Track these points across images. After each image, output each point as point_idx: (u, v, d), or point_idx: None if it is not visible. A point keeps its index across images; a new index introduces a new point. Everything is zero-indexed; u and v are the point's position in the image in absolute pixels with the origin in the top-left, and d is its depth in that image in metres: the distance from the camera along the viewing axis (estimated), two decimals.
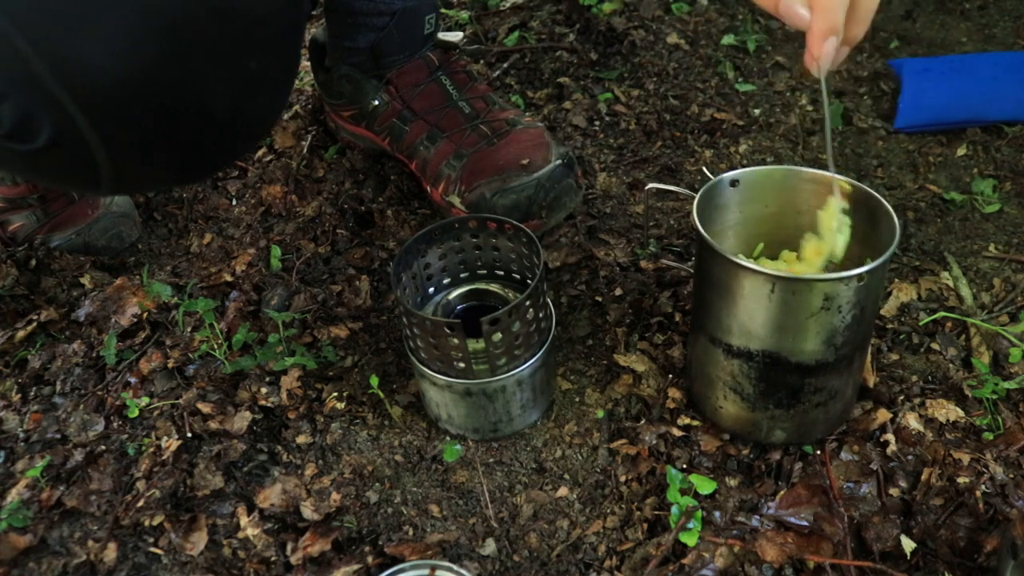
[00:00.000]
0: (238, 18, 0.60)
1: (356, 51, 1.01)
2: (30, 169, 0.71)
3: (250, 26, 0.62)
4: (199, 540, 0.74)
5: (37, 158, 0.61)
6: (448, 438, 0.82)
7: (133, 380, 0.87)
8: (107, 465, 0.79)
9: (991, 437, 0.78)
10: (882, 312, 0.90)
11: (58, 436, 0.82)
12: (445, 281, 0.84)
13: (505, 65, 1.31)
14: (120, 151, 0.62)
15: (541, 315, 0.75)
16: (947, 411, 0.80)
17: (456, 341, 0.71)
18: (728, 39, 1.35)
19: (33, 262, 0.99)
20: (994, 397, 0.80)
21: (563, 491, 0.77)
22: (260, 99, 0.67)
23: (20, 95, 0.57)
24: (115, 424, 0.83)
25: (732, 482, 0.76)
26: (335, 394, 0.85)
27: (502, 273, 0.84)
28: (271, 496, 0.77)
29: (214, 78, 0.61)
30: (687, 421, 0.80)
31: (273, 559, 0.73)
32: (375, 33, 0.98)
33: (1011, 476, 0.75)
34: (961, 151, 1.11)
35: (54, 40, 0.55)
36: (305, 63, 1.36)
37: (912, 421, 0.79)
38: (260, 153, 1.17)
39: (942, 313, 0.89)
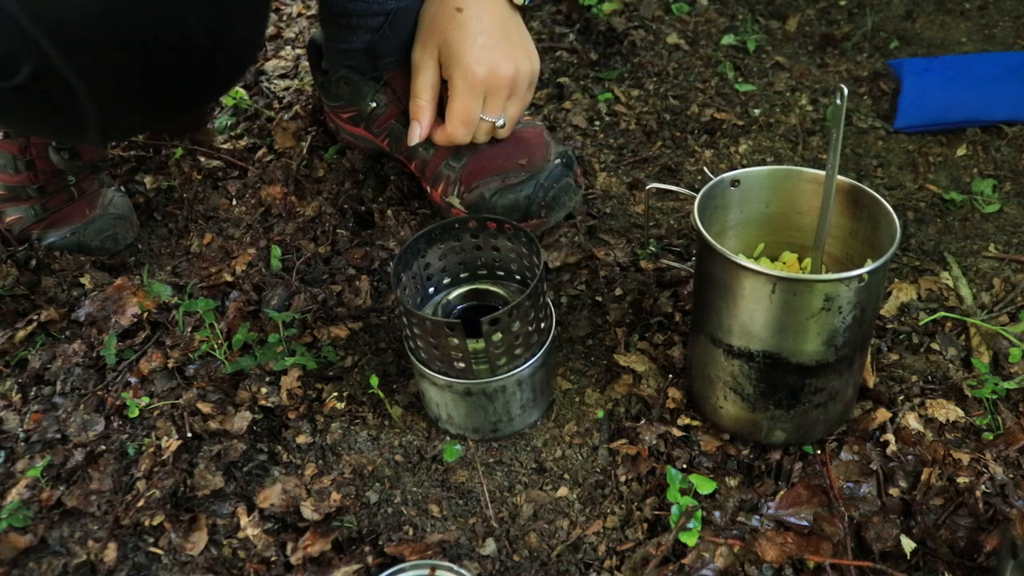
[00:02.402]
0: None
1: (352, 53, 1.01)
2: (15, 110, 0.70)
3: None
4: (199, 540, 0.74)
5: (19, 96, 0.61)
6: (448, 438, 0.82)
7: (133, 380, 0.87)
8: (107, 465, 0.79)
9: (991, 437, 0.78)
10: (882, 312, 0.90)
11: (58, 436, 0.82)
12: (445, 281, 0.84)
13: None
14: (99, 85, 0.62)
15: (541, 315, 0.75)
16: (947, 411, 0.80)
17: (456, 341, 0.71)
18: (728, 39, 1.35)
19: (33, 262, 0.99)
20: (994, 397, 0.80)
21: (563, 491, 0.77)
22: (236, 24, 0.67)
23: None
24: (115, 424, 0.83)
25: (732, 482, 0.76)
26: (335, 394, 0.85)
27: (502, 273, 0.84)
28: (271, 496, 0.77)
29: (186, 2, 0.61)
30: (687, 421, 0.80)
31: (273, 559, 0.73)
32: (370, 34, 0.98)
33: (1011, 476, 0.75)
34: (961, 151, 1.11)
35: None
36: (304, 63, 1.36)
37: (912, 421, 0.79)
38: (260, 153, 1.17)
39: (942, 313, 0.89)
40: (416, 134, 0.94)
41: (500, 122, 0.92)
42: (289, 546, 0.73)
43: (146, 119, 0.81)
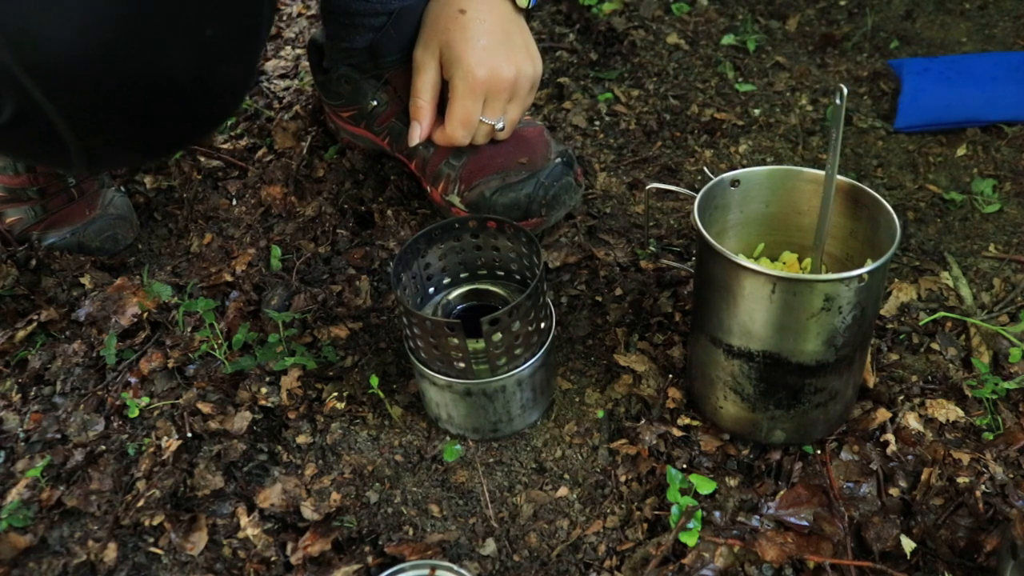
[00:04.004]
0: None
1: (354, 52, 1.01)
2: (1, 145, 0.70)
3: None
4: (199, 540, 0.74)
5: (3, 134, 0.61)
6: (448, 438, 0.82)
7: (133, 380, 0.87)
8: (107, 465, 0.79)
9: (991, 437, 0.78)
10: (882, 312, 0.90)
11: (58, 436, 0.82)
12: (445, 281, 0.84)
13: None
14: (83, 125, 0.62)
15: (541, 315, 0.75)
16: (947, 411, 0.80)
17: (456, 341, 0.71)
18: (728, 39, 1.35)
19: (33, 262, 0.99)
20: (994, 397, 0.80)
21: (563, 491, 0.77)
22: (223, 67, 0.66)
23: None
24: (115, 424, 0.83)
25: (732, 482, 0.76)
26: (335, 394, 0.85)
27: (502, 273, 0.84)
28: (271, 496, 0.77)
29: (171, 47, 0.61)
30: (687, 421, 0.80)
31: (273, 559, 0.73)
32: (372, 33, 0.98)
33: (1011, 476, 0.75)
34: (961, 151, 1.11)
35: (6, 14, 0.55)
36: (304, 63, 1.36)
37: (912, 421, 0.79)
38: (260, 153, 1.17)
39: (942, 313, 0.89)
40: (416, 134, 0.94)
41: (500, 124, 0.93)
42: (289, 546, 0.73)
43: (131, 156, 0.81)
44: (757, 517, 0.73)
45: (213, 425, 0.82)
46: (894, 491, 0.74)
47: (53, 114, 0.59)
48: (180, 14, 0.60)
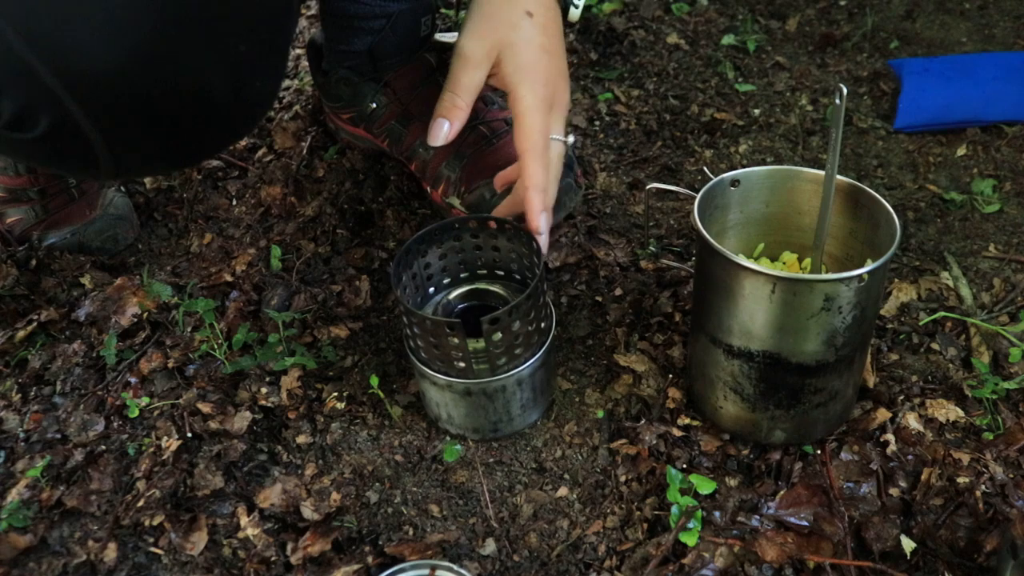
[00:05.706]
0: (226, 1, 0.61)
1: (353, 54, 1.01)
2: (30, 156, 0.71)
3: (239, 9, 0.62)
4: (199, 540, 0.74)
5: (36, 146, 0.62)
6: (448, 438, 0.82)
7: (133, 380, 0.87)
8: (107, 465, 0.79)
9: (991, 437, 0.78)
10: (882, 312, 0.90)
11: (58, 436, 0.82)
12: (445, 281, 0.84)
13: None
14: (116, 138, 0.63)
15: (541, 315, 0.75)
16: (947, 411, 0.80)
17: (456, 341, 0.71)
18: (728, 39, 1.35)
19: (33, 262, 0.99)
20: (994, 397, 0.80)
21: (563, 491, 0.77)
22: (254, 81, 0.67)
23: (17, 87, 0.58)
24: (115, 424, 0.83)
25: (732, 482, 0.76)
26: (335, 394, 0.85)
27: (502, 273, 0.84)
28: (271, 496, 0.77)
29: (207, 63, 0.62)
30: (687, 421, 0.80)
31: (273, 559, 0.73)
32: (371, 36, 0.98)
33: (1011, 476, 0.75)
34: (961, 151, 1.11)
35: (45, 31, 0.56)
36: (304, 63, 1.36)
37: (912, 421, 0.79)
38: (260, 153, 1.17)
39: (942, 313, 0.89)
40: (442, 133, 0.81)
41: (571, 140, 0.85)
42: (289, 546, 0.73)
43: (159, 165, 0.81)
44: (757, 517, 0.73)
45: (213, 425, 0.82)
46: (894, 491, 0.74)
47: (88, 127, 0.60)
48: (216, 31, 0.61)
